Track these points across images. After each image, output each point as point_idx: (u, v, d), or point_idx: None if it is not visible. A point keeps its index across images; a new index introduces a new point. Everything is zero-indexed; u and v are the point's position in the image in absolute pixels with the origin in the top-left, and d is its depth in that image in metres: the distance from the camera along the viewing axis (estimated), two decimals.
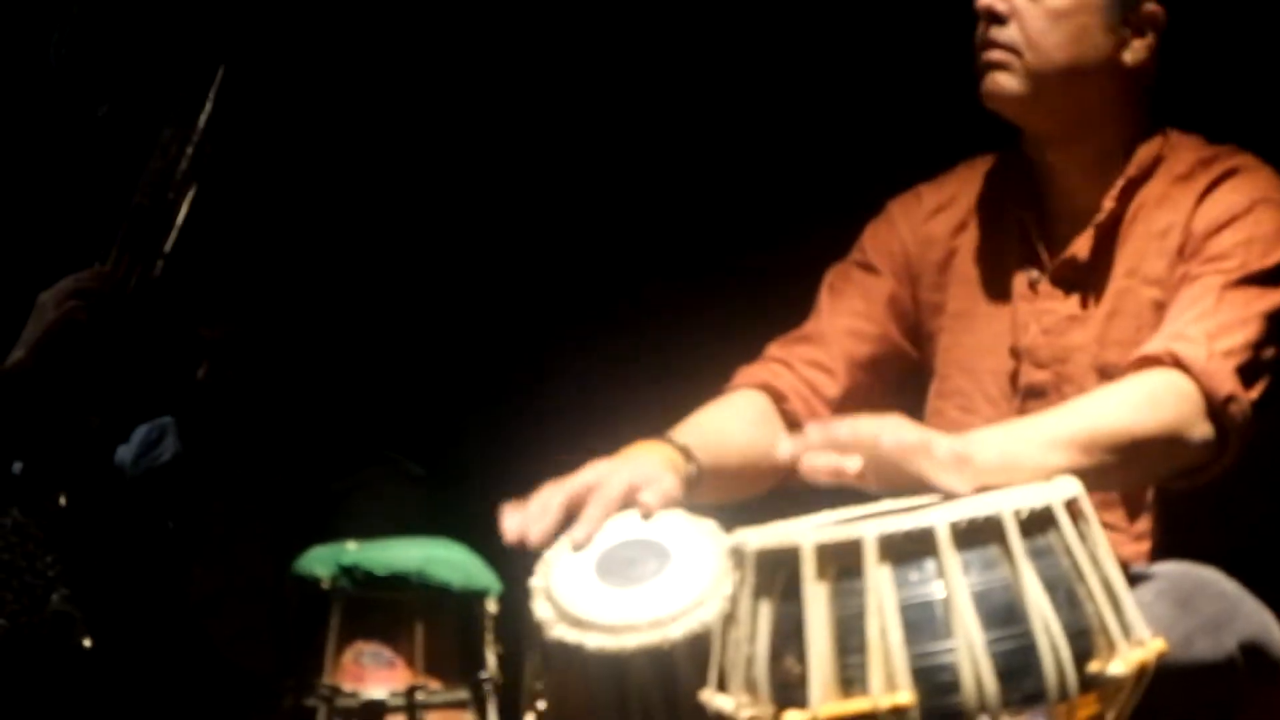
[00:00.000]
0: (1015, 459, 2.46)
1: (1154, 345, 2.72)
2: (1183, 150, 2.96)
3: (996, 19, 2.90)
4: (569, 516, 2.64)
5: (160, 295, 3.45)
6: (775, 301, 3.21)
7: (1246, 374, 2.70)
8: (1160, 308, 2.86)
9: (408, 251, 4.19)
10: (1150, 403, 2.63)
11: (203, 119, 3.42)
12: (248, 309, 3.68)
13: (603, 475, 2.68)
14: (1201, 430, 2.66)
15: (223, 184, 3.51)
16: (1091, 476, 2.47)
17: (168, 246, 3.42)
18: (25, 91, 3.75)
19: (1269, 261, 2.79)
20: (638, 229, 4.09)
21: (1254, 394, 2.70)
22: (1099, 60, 2.91)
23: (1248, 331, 2.73)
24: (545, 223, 4.17)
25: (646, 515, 2.66)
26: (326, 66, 4.12)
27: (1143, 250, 2.91)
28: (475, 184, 4.20)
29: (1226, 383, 2.67)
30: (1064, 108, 2.92)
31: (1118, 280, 2.92)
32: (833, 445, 2.46)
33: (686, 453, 2.80)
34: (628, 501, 2.65)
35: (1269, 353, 2.74)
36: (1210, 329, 2.71)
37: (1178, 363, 2.67)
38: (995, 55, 2.91)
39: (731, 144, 4.07)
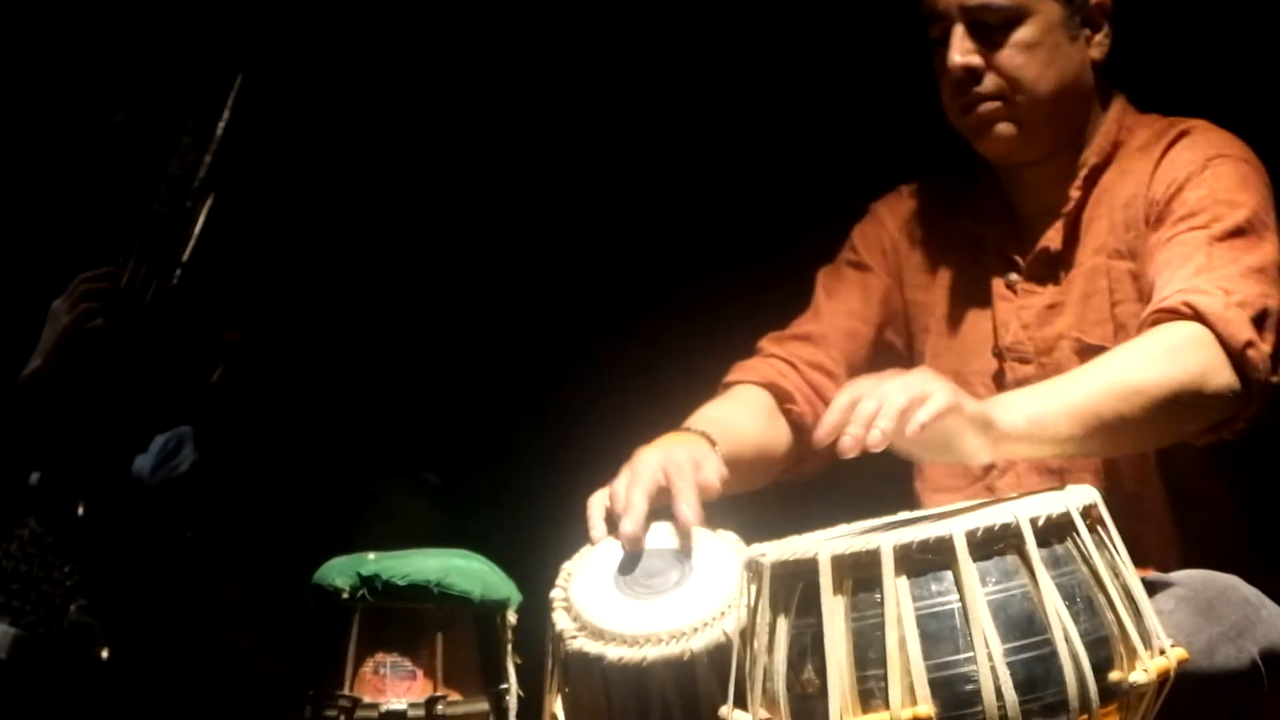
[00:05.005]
0: (1041, 426, 2.46)
1: (1168, 299, 2.71)
2: (1139, 129, 3.00)
3: (974, 77, 2.92)
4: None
5: (178, 303, 3.44)
6: (785, 308, 3.22)
7: (1258, 324, 2.70)
8: (1135, 278, 2.88)
9: (426, 261, 4.19)
10: (1171, 354, 2.63)
11: (221, 126, 3.41)
12: (265, 318, 3.67)
13: (666, 459, 2.70)
14: (1224, 378, 2.65)
15: (240, 192, 3.51)
16: (1123, 435, 2.49)
17: (185, 255, 3.41)
18: (43, 99, 3.75)
19: (1239, 217, 2.81)
20: (655, 248, 4.10)
21: (1267, 345, 2.69)
22: (1076, 70, 2.96)
23: (1249, 283, 2.73)
24: (568, 240, 4.18)
25: (712, 493, 2.67)
26: (346, 74, 4.12)
27: (1109, 227, 2.94)
28: (491, 194, 4.21)
29: (1244, 329, 2.66)
30: (1058, 126, 2.96)
31: (1088, 261, 2.95)
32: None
33: (710, 440, 2.82)
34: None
35: (1271, 303, 2.73)
36: (1218, 281, 2.71)
37: (1195, 313, 2.66)
38: (987, 108, 2.94)
39: (732, 161, 4.09)
